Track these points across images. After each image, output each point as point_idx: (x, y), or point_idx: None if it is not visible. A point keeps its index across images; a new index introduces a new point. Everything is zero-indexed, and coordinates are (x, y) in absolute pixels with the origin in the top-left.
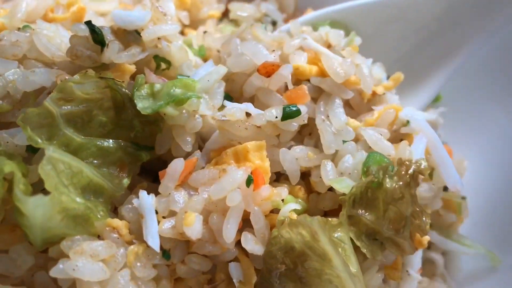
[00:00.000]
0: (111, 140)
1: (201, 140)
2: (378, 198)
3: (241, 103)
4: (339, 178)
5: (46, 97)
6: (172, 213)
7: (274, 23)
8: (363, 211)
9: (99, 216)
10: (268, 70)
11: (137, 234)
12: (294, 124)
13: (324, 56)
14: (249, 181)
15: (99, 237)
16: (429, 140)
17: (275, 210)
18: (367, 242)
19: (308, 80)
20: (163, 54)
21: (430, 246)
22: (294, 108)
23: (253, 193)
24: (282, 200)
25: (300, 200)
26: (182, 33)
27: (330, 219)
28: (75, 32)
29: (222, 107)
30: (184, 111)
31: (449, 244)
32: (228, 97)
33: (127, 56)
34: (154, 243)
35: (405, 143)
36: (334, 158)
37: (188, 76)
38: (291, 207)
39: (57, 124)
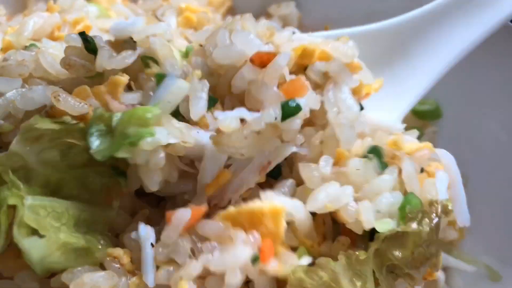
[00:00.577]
0: (88, 170)
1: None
2: (409, 238)
3: (228, 101)
4: (382, 220)
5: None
6: (171, 261)
7: None
8: (392, 248)
9: (99, 246)
10: (263, 60)
11: (138, 264)
12: (296, 122)
13: (323, 42)
14: (255, 259)
15: (101, 265)
16: (451, 176)
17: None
18: (385, 275)
19: (305, 69)
20: (150, 52)
21: None
22: (293, 104)
23: (256, 267)
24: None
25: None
26: None
27: (357, 253)
28: (68, 43)
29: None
30: (142, 150)
31: (450, 260)
32: (212, 99)
33: (118, 60)
34: (149, 280)
35: (431, 182)
36: (360, 189)
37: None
38: (304, 262)
39: (29, 164)
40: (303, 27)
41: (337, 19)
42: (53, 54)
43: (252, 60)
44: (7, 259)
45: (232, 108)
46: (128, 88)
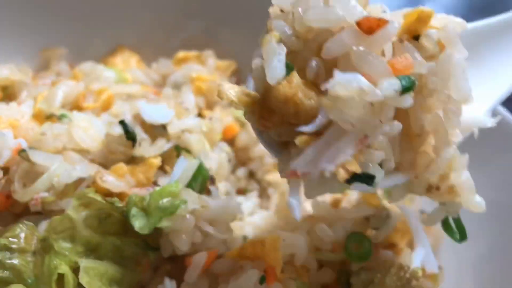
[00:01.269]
0: (123, 239)
1: None
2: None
3: (312, 68)
4: None
5: (82, 187)
6: None
7: None
8: None
9: None
10: (371, 26)
11: None
12: (410, 99)
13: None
14: (262, 280)
15: None
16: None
17: None
18: None
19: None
20: (184, 144)
21: None
22: (410, 81)
23: (266, 286)
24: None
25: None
26: (200, 115)
27: None
28: (110, 132)
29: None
30: (177, 219)
31: None
32: (288, 66)
33: (155, 149)
34: None
35: (409, 252)
36: None
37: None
38: None
39: (77, 228)
40: None
41: None
42: (83, 127)
43: (359, 24)
44: None
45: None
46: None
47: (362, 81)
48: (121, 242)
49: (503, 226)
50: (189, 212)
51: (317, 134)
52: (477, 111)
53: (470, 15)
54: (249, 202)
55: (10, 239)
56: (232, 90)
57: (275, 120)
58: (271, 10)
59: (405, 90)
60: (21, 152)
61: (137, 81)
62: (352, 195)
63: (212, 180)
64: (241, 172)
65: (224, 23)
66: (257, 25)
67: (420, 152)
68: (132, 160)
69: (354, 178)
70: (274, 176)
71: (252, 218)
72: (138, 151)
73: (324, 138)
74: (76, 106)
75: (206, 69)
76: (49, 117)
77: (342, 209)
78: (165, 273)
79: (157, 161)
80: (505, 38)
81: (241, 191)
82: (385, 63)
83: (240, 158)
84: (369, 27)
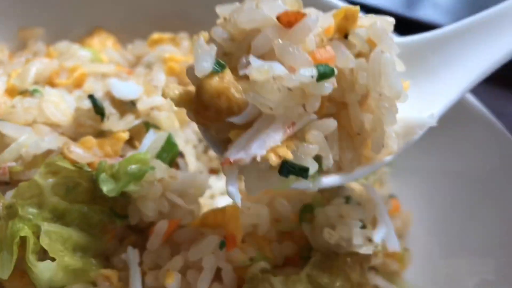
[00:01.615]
0: (90, 207)
1: None
2: (334, 266)
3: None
4: None
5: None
6: (157, 266)
7: None
8: (321, 273)
9: (93, 268)
10: (290, 20)
11: (125, 281)
12: (328, 86)
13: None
14: (222, 245)
15: (94, 283)
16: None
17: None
18: None
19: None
20: (153, 121)
21: None
22: (328, 68)
23: (225, 253)
24: (252, 258)
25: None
26: None
27: (292, 277)
28: (80, 105)
29: None
30: (144, 184)
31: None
32: (219, 64)
33: (123, 124)
34: None
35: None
36: None
37: None
38: (260, 265)
39: (44, 194)
40: None
41: None
42: (54, 102)
43: (279, 18)
44: (13, 279)
45: None
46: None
47: (278, 67)
48: (88, 209)
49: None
50: (157, 180)
51: (248, 125)
52: (423, 113)
53: (467, 14)
54: (220, 182)
55: None
56: (176, 90)
57: (210, 115)
58: (218, 22)
59: (321, 76)
60: None
61: (112, 62)
62: None
63: (181, 155)
64: (214, 152)
65: (199, 5)
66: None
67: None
68: (100, 134)
69: (288, 170)
70: None
71: (223, 197)
72: (107, 125)
73: (254, 127)
74: (50, 82)
75: (180, 51)
76: (23, 93)
77: None
78: (130, 243)
79: (125, 135)
80: (454, 46)
81: (214, 171)
82: (305, 54)
83: None
84: (288, 21)
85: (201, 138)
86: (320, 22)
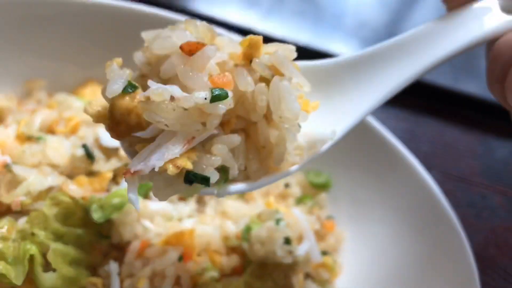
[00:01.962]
0: (83, 230)
1: None
2: (265, 274)
3: None
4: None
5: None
6: (132, 275)
7: None
8: (255, 280)
9: (84, 276)
10: (191, 49)
11: (108, 287)
12: (221, 107)
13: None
14: (180, 259)
15: None
16: (303, 228)
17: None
18: None
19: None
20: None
21: None
22: (222, 91)
23: (182, 264)
24: (204, 267)
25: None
26: None
27: (231, 281)
28: (75, 153)
29: None
30: (124, 212)
31: None
32: (132, 85)
33: (108, 166)
34: None
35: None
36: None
37: None
38: (210, 274)
39: (49, 221)
40: None
41: None
42: (55, 147)
43: (181, 47)
44: (24, 285)
45: None
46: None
47: (175, 90)
48: (81, 232)
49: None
50: (134, 210)
51: (153, 139)
52: (329, 129)
53: None
54: (187, 207)
55: None
56: (95, 107)
57: (121, 130)
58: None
59: (214, 98)
60: (6, 166)
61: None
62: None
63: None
64: None
65: None
66: None
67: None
68: (91, 173)
69: (190, 179)
70: None
71: (188, 220)
72: (96, 167)
73: (156, 141)
74: (51, 129)
75: None
76: (29, 138)
77: (244, 207)
78: (112, 258)
79: (110, 175)
80: (364, 69)
81: (182, 198)
82: (204, 78)
83: None
84: (189, 50)
85: None
86: (229, 49)
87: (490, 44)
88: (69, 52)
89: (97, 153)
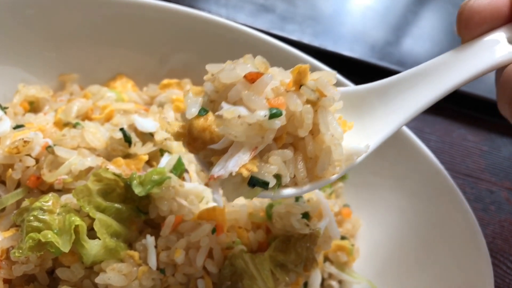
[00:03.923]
0: (123, 205)
1: None
2: (288, 247)
3: None
4: None
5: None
6: (168, 247)
7: None
8: (280, 253)
9: (122, 249)
10: (253, 77)
11: (144, 259)
12: (277, 123)
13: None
14: (213, 231)
15: (122, 261)
16: (322, 206)
17: (229, 247)
18: (279, 270)
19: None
20: (166, 148)
21: (330, 276)
22: (278, 111)
23: (215, 237)
24: (234, 241)
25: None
26: None
27: (257, 255)
28: (114, 136)
29: None
30: (163, 188)
31: (343, 275)
32: (204, 110)
33: (145, 150)
34: (153, 265)
35: (316, 220)
36: None
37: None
38: (239, 247)
39: (92, 195)
40: None
41: None
42: (92, 132)
43: (245, 76)
44: (67, 255)
45: None
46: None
47: (241, 110)
48: (121, 207)
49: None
50: (171, 187)
51: (225, 151)
52: (360, 144)
53: None
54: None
55: (43, 203)
56: (175, 128)
57: (197, 145)
58: (205, 77)
59: (272, 116)
60: (48, 147)
61: (132, 101)
62: None
63: (186, 171)
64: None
65: (199, 59)
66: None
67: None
68: (127, 156)
69: (254, 183)
70: None
71: (212, 204)
72: (133, 150)
73: (229, 151)
74: (86, 117)
75: (183, 92)
76: (66, 125)
77: None
78: (147, 233)
79: (145, 157)
80: (392, 92)
81: (207, 184)
82: (264, 100)
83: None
84: (251, 78)
85: None
86: (281, 77)
87: (499, 70)
88: (100, 50)
89: (133, 137)
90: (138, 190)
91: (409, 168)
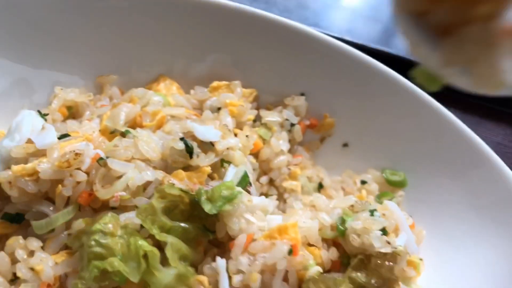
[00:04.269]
0: (189, 224)
1: None
2: (368, 268)
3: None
4: None
5: (151, 189)
6: (239, 271)
7: (292, 125)
8: (359, 274)
9: (191, 274)
10: None
11: (214, 285)
12: None
13: None
14: (290, 252)
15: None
16: (398, 221)
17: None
18: None
19: None
20: (228, 158)
21: None
22: None
23: (291, 258)
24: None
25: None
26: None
27: (337, 278)
28: (173, 145)
29: None
30: (234, 205)
31: None
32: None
33: (207, 161)
34: None
35: (393, 236)
36: None
37: None
38: (315, 269)
39: (157, 214)
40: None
41: (334, 110)
42: (146, 141)
43: None
44: (132, 284)
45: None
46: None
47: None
48: (188, 226)
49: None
50: (241, 202)
51: None
52: None
53: None
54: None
55: (103, 225)
56: None
57: None
58: None
59: None
60: (100, 160)
61: (179, 105)
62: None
63: (250, 184)
64: (263, 179)
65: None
66: (274, 61)
67: None
68: (187, 168)
69: None
70: (289, 183)
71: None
72: (195, 161)
73: None
74: (134, 123)
75: (235, 95)
76: (113, 132)
77: (334, 201)
78: (213, 255)
79: (208, 170)
80: None
81: (264, 195)
82: None
83: (263, 168)
84: None
85: (255, 168)
86: None
87: None
88: (139, 49)
89: (194, 147)
90: (208, 208)
91: (478, 177)
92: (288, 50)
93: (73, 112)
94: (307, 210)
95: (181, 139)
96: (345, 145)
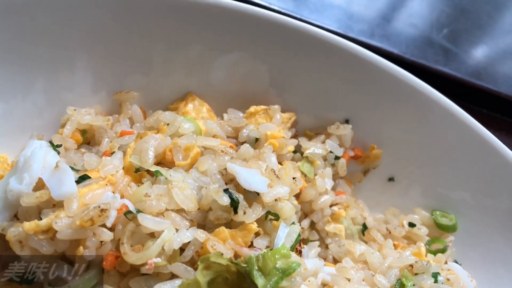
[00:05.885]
0: None
1: None
2: None
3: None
4: None
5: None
6: None
7: (337, 158)
8: None
9: None
10: None
11: None
12: None
13: None
14: None
15: None
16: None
17: None
18: None
19: None
20: (275, 210)
21: None
22: None
23: None
24: None
25: None
26: None
27: None
28: (216, 198)
29: None
30: (292, 280)
31: None
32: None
33: (254, 217)
34: None
35: None
36: None
37: None
38: None
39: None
40: (354, 143)
41: (381, 141)
42: (180, 187)
43: None
44: None
45: None
46: None
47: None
48: None
49: None
50: (299, 275)
51: None
52: None
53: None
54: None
55: None
56: None
57: None
58: None
59: None
60: (128, 213)
61: (212, 133)
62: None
63: (301, 242)
64: (305, 223)
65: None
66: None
67: None
68: (228, 224)
69: None
70: (332, 227)
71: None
72: (240, 217)
73: None
74: (163, 158)
75: (274, 123)
76: (138, 170)
77: (390, 259)
78: None
79: (255, 228)
80: None
81: (304, 241)
82: None
83: (304, 210)
84: None
85: (297, 211)
86: None
87: None
88: (164, 63)
89: (240, 200)
90: (261, 283)
91: None
92: (332, 70)
93: (87, 137)
94: (359, 270)
95: (225, 190)
96: (391, 179)
